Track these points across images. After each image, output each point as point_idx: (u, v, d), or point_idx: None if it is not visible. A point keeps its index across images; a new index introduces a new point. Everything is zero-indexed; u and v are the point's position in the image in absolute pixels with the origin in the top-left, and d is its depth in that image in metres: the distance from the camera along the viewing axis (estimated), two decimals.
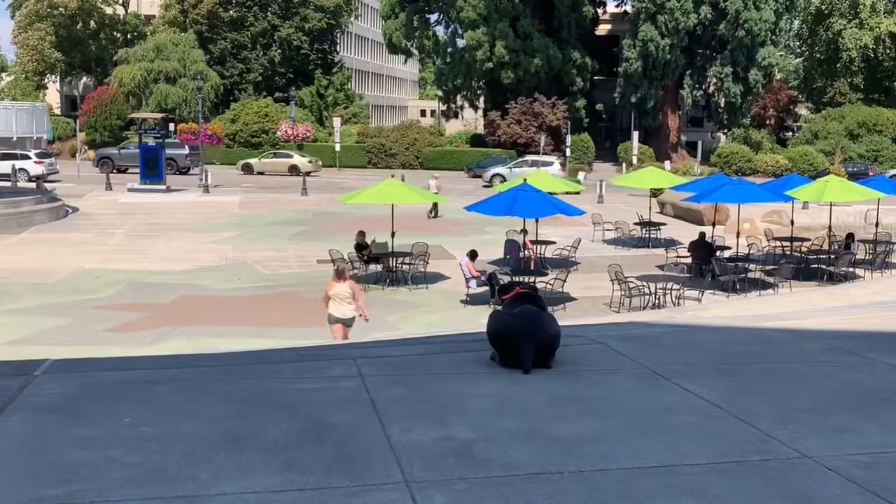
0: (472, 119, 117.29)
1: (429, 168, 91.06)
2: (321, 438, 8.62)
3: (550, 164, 78.85)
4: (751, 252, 37.33)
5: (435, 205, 51.14)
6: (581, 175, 77.83)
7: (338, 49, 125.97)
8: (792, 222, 40.63)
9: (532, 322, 11.41)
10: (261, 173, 78.07)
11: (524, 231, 33.58)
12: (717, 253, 35.68)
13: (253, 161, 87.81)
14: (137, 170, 77.67)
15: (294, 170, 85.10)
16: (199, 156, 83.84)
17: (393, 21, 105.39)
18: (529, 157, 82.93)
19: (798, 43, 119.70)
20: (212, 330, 26.95)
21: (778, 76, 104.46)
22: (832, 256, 36.70)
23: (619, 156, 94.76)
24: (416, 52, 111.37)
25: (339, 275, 23.96)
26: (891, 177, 60.08)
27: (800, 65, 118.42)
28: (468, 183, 78.04)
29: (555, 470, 7.87)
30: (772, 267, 35.25)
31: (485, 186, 73.21)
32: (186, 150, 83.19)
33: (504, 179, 75.47)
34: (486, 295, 30.46)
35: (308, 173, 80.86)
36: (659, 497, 7.40)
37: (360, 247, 35.37)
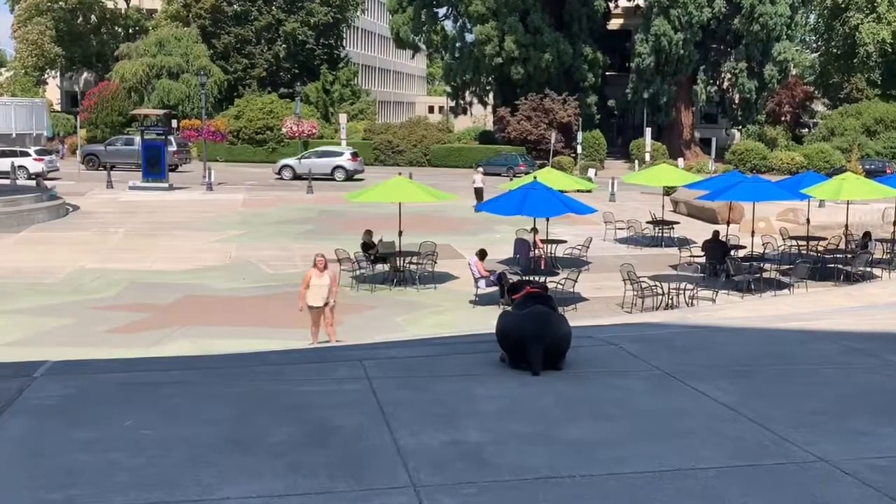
0: (481, 115, 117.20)
1: (437, 166, 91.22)
2: (326, 442, 8.63)
3: (340, 154, 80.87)
4: (766, 251, 37.29)
5: (479, 197, 51.62)
6: (592, 172, 77.78)
7: (344, 44, 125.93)
8: (808, 221, 40.57)
9: (541, 323, 11.40)
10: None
11: (534, 230, 33.55)
12: (732, 252, 35.64)
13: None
14: (126, 167, 77.98)
15: None
16: (187, 152, 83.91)
17: (400, 15, 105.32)
18: (320, 148, 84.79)
19: (814, 37, 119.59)
20: (215, 331, 26.96)
21: (793, 71, 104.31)
22: (849, 256, 36.62)
23: (631, 153, 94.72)
24: (423, 46, 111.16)
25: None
26: None
27: (816, 60, 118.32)
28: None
29: (566, 474, 7.87)
30: (787, 267, 35.19)
31: (277, 178, 76.80)
32: (174, 147, 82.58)
33: (294, 171, 77.58)
34: (496, 295, 30.44)
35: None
36: (672, 502, 7.40)
37: (367, 246, 35.36)
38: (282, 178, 75.58)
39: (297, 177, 75.21)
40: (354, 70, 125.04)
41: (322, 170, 74.50)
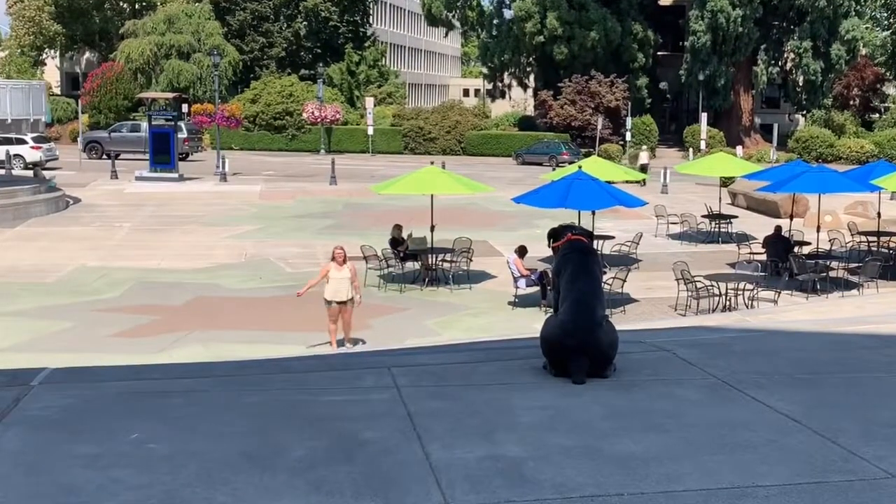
0: (520, 99, 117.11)
1: (472, 154, 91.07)
2: (352, 456, 8.62)
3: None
4: (833, 248, 37.18)
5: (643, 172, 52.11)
6: (644, 156, 77.47)
7: (371, 21, 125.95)
8: (879, 215, 40.43)
9: (584, 329, 11.32)
10: None
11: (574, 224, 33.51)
12: (795, 249, 35.54)
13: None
14: (130, 155, 78.35)
15: None
16: (199, 139, 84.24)
17: None
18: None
19: (885, 14, 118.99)
20: (229, 335, 27.04)
21: (863, 51, 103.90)
22: None
23: (685, 140, 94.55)
24: (458, 24, 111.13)
25: None
26: None
27: (888, 38, 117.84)
28: (517, 171, 78.03)
29: (613, 492, 7.85)
30: (856, 265, 35.09)
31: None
32: (185, 133, 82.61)
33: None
34: (537, 296, 30.43)
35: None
36: None
37: (396, 242, 35.36)
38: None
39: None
40: (382, 49, 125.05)
41: None
